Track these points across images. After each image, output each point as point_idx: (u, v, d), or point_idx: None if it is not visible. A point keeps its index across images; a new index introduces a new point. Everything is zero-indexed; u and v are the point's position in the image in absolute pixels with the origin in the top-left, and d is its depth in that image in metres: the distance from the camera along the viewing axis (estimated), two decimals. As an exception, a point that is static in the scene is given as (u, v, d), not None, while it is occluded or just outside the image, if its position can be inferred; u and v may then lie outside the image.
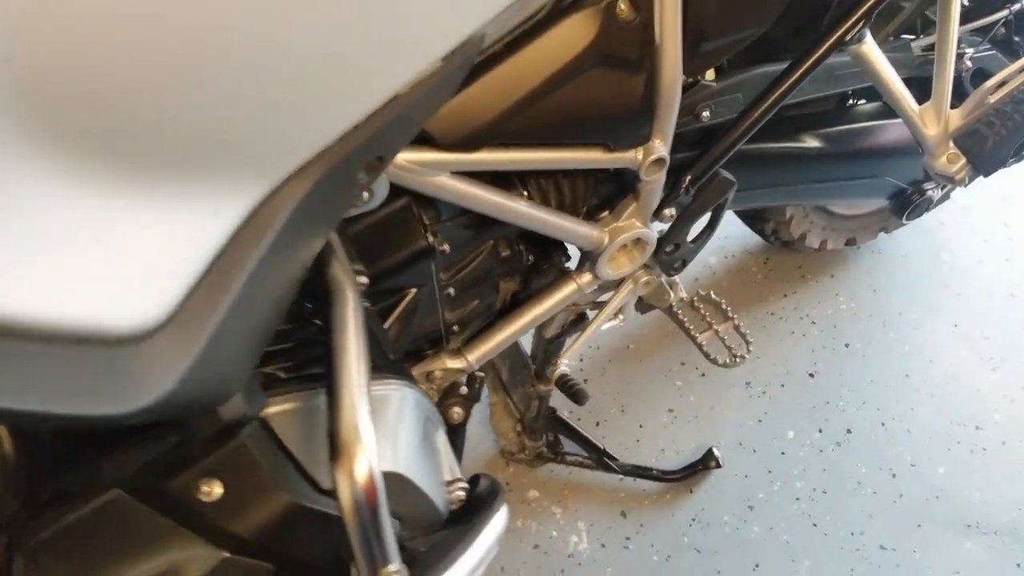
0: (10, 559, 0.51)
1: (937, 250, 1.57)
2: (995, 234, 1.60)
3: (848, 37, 0.81)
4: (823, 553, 1.21)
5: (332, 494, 0.55)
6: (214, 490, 0.50)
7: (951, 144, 0.90)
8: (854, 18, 0.81)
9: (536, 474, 1.31)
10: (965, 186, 0.97)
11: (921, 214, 1.17)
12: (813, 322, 1.48)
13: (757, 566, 1.21)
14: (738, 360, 1.00)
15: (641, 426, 1.36)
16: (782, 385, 1.40)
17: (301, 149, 0.48)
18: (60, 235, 0.37)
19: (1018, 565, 1.20)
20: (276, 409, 0.55)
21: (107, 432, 0.55)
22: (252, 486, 0.51)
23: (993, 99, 0.87)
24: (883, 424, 1.35)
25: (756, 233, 1.42)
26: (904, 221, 1.17)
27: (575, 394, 0.99)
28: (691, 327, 1.02)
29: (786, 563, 1.21)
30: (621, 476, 1.29)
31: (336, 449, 0.49)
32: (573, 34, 0.69)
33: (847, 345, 1.45)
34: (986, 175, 0.94)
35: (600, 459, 1.27)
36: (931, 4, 1.00)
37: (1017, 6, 1.03)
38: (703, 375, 1.41)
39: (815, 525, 1.24)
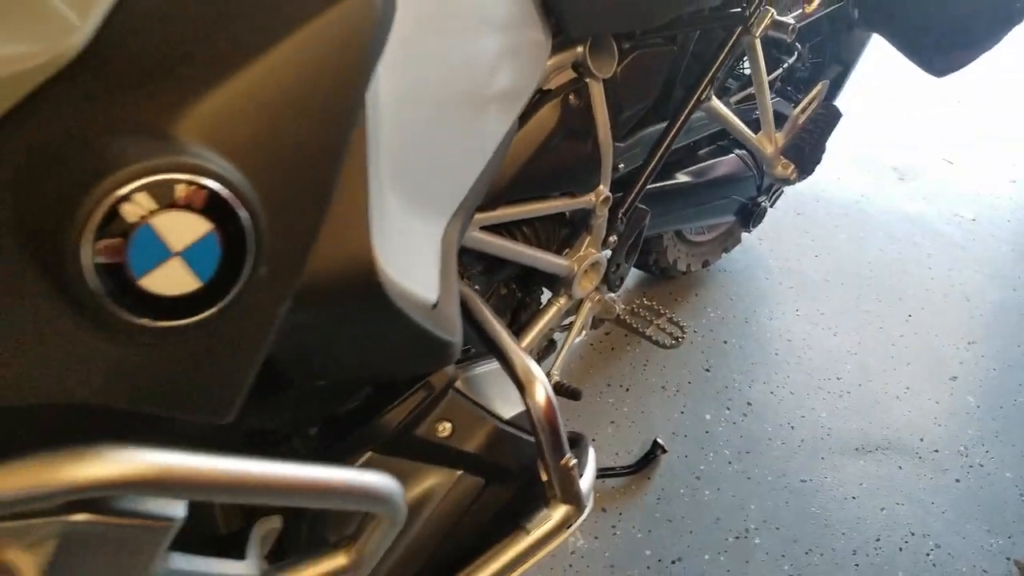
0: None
1: (764, 259, 2.02)
2: (801, 240, 2.07)
3: (704, 97, 1.19)
4: (762, 496, 1.53)
5: (512, 423, 0.79)
6: (447, 428, 0.73)
7: (782, 157, 1.31)
8: (703, 83, 1.18)
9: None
10: (794, 184, 1.37)
11: (760, 222, 1.58)
12: (695, 331, 1.85)
13: (718, 519, 1.49)
14: (680, 340, 1.32)
15: (593, 439, 1.63)
16: (689, 382, 1.74)
17: (460, 191, 0.74)
18: (404, 246, 0.61)
19: (900, 468, 1.58)
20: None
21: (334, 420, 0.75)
22: (469, 421, 0.74)
23: (801, 121, 1.28)
24: (771, 392, 1.71)
25: (641, 268, 1.78)
26: (749, 229, 1.58)
27: (572, 393, 1.25)
28: (638, 326, 1.33)
29: (738, 511, 1.50)
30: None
31: (520, 384, 0.74)
32: (549, 117, 1.00)
33: (725, 342, 1.82)
34: (808, 173, 1.35)
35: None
36: (734, 70, 1.42)
37: (785, 65, 1.48)
38: (627, 389, 1.72)
39: (749, 478, 1.56)
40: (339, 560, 0.61)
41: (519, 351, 0.76)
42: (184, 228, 0.40)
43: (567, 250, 1.17)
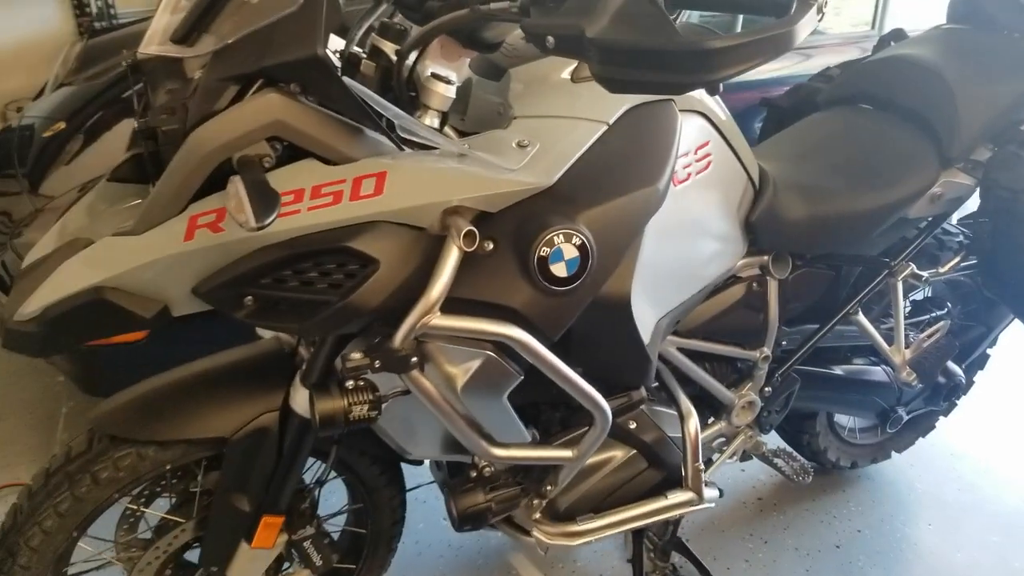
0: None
1: (911, 479, 2.38)
2: (949, 471, 2.42)
3: (851, 312, 1.74)
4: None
5: (671, 439, 1.36)
6: (634, 424, 1.32)
7: (907, 367, 1.80)
8: (854, 302, 1.74)
9: (664, 589, 1.97)
10: (916, 388, 1.85)
11: (897, 426, 2.02)
12: (835, 516, 2.24)
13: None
14: (808, 478, 1.79)
15: (728, 568, 2.06)
16: (819, 551, 2.13)
17: (670, 305, 1.37)
18: (640, 306, 1.24)
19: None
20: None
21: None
22: (648, 425, 1.33)
23: (925, 345, 1.78)
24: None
25: (795, 447, 2.23)
26: (889, 430, 2.02)
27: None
28: (778, 463, 1.82)
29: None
30: (721, 593, 1.96)
31: (683, 419, 1.32)
32: (737, 292, 1.60)
33: (859, 531, 2.20)
34: (927, 383, 1.82)
35: (707, 579, 1.96)
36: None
37: (933, 315, 1.98)
38: (766, 542, 2.14)
39: (851, 629, 1.90)
40: (566, 453, 1.21)
41: (688, 402, 1.35)
42: (570, 251, 1.06)
43: (733, 387, 1.72)
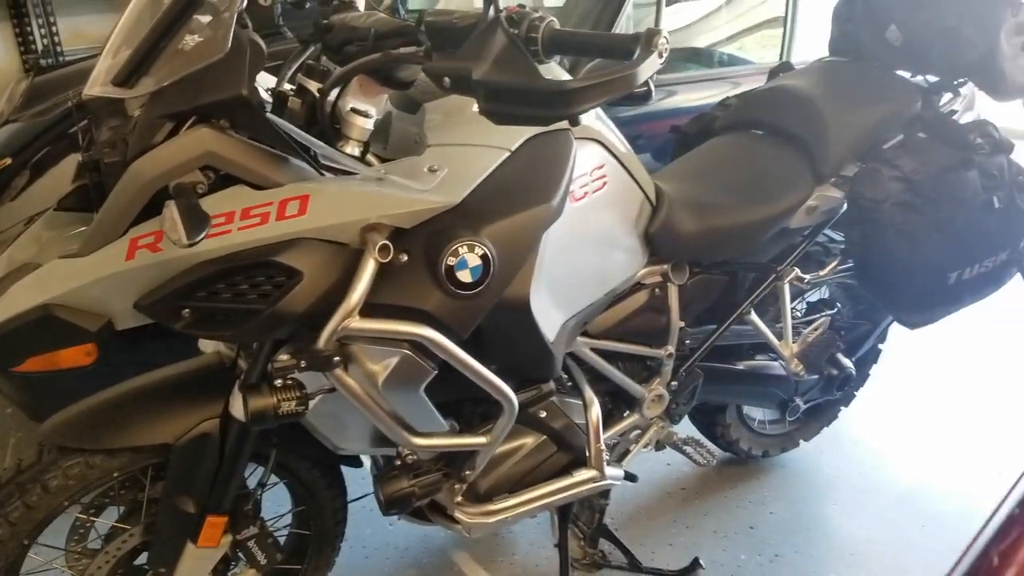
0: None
1: (822, 466, 2.59)
2: (852, 454, 2.63)
3: (745, 312, 1.93)
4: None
5: (576, 424, 1.52)
6: (544, 413, 1.48)
7: (795, 359, 2.00)
8: (747, 303, 1.93)
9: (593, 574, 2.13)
10: (807, 378, 2.05)
11: (796, 415, 2.22)
12: (750, 501, 2.43)
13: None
14: (712, 461, 1.97)
15: (653, 553, 2.22)
16: (735, 532, 2.31)
17: (576, 308, 1.53)
18: (543, 307, 1.41)
19: None
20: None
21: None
22: (556, 414, 1.50)
23: (810, 339, 1.99)
24: (796, 552, 2.25)
25: (710, 438, 2.41)
26: (789, 418, 2.22)
27: (630, 476, 1.90)
28: (687, 450, 1.99)
29: (747, 620, 2.02)
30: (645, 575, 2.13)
31: (586, 407, 1.49)
32: (641, 297, 1.77)
33: (771, 512, 2.39)
34: (814, 373, 2.02)
35: (632, 563, 2.12)
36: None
37: (825, 313, 2.18)
38: (688, 527, 2.31)
39: (762, 602, 2.08)
40: (480, 439, 1.36)
41: (591, 392, 1.51)
42: (474, 259, 1.22)
43: (644, 383, 1.89)
